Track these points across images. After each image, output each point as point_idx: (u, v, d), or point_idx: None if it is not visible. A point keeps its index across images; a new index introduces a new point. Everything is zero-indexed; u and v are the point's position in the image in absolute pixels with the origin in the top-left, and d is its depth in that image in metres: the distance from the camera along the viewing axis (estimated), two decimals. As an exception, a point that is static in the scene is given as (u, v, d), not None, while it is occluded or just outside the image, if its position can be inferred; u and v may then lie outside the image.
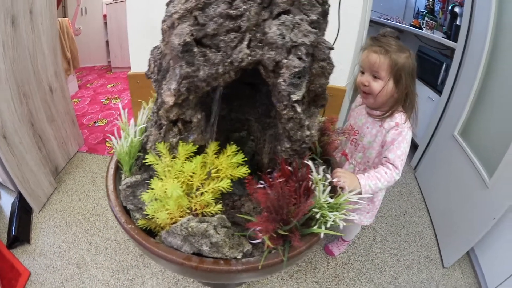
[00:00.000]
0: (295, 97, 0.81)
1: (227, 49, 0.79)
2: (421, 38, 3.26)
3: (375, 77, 1.31)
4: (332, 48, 0.88)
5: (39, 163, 2.18)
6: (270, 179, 0.91)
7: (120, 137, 1.07)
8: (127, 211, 0.98)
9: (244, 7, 0.78)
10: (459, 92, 2.38)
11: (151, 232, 0.93)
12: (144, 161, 0.97)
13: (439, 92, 2.73)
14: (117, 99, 3.68)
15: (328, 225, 0.88)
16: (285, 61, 0.79)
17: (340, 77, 1.83)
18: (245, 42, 0.78)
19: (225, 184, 0.89)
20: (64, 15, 3.96)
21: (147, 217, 0.90)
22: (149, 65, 1.01)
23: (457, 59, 2.44)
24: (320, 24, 0.84)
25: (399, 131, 1.31)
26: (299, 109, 0.83)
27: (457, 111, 2.29)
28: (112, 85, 4.05)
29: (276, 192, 0.83)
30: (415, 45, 3.30)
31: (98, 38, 4.42)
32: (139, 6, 1.74)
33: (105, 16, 4.26)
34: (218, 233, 0.83)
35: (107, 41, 4.45)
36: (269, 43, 0.79)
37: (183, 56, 0.80)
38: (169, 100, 0.86)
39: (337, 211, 0.91)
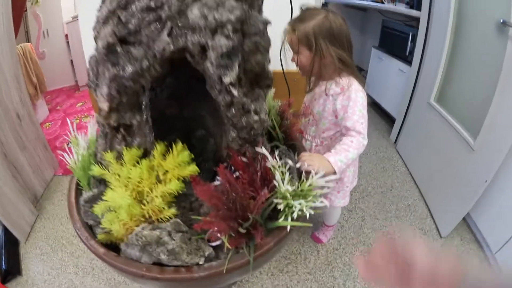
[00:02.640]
0: (227, 79, 0.75)
1: (149, 41, 0.74)
2: (384, 12, 3.24)
3: (297, 53, 1.29)
4: (267, 22, 0.82)
5: (17, 193, 2.12)
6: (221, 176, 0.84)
7: (71, 152, 1.03)
8: (90, 227, 0.95)
9: (166, -4, 0.73)
10: (429, 59, 2.36)
11: (116, 247, 0.88)
12: (90, 173, 0.92)
13: (409, 62, 2.70)
14: (87, 117, 3.61)
15: (295, 215, 0.83)
16: (210, 42, 0.74)
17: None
18: (166, 31, 0.73)
19: (173, 186, 0.84)
20: (28, 40, 3.89)
21: (105, 230, 0.86)
22: (88, 74, 0.96)
23: (423, 27, 2.43)
24: (248, -2, 0.79)
25: (346, 96, 1.27)
26: (235, 92, 0.78)
27: (430, 78, 2.27)
28: (81, 103, 3.97)
29: (223, 187, 0.77)
30: (379, 21, 3.29)
31: (62, 58, 4.33)
32: (91, 21, 1.69)
33: (66, 35, 4.18)
34: (174, 239, 0.78)
35: (71, 61, 4.36)
36: (191, 27, 0.74)
37: (108, 58, 0.76)
38: (104, 106, 0.81)
39: (304, 199, 0.86)
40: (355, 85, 1.28)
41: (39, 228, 2.24)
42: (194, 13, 0.73)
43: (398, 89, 2.85)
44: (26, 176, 2.34)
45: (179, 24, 0.75)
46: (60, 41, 4.23)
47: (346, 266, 1.84)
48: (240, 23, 0.76)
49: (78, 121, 3.54)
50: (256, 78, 0.87)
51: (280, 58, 1.66)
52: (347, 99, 1.27)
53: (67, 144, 3.09)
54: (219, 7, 0.74)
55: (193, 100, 1.09)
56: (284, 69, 1.72)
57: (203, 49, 0.75)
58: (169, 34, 0.74)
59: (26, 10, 3.76)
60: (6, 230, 2.02)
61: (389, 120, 3.25)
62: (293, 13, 1.54)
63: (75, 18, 3.90)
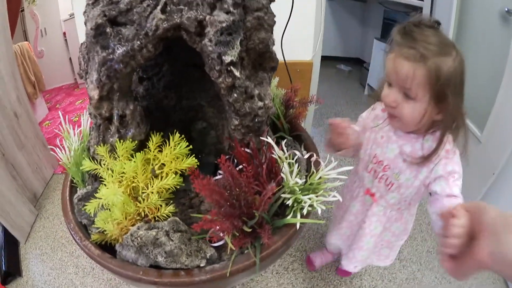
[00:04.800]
0: (228, 58, 0.68)
1: (141, 20, 0.67)
2: (385, 3, 3.18)
3: (407, 95, 0.90)
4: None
5: (16, 192, 2.08)
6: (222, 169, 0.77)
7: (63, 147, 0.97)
8: (84, 227, 0.88)
9: (159, -28, 0.66)
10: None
11: (113, 247, 0.81)
12: (81, 168, 0.85)
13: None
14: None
15: (305, 212, 0.76)
16: (208, 17, 0.67)
17: (304, 51, 1.72)
18: (159, 7, 0.66)
19: (171, 181, 0.76)
20: (26, 39, 3.84)
21: (98, 230, 0.79)
22: (79, 63, 0.89)
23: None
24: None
25: (450, 159, 0.97)
26: (237, 73, 0.70)
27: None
28: (81, 101, 3.93)
29: (225, 181, 0.70)
30: (380, 12, 3.23)
31: (61, 57, 4.28)
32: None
33: (64, 33, 4.13)
34: (172, 240, 0.71)
35: (70, 58, 4.31)
36: (187, 2, 0.67)
37: (97, 40, 0.69)
38: (94, 94, 0.74)
39: (314, 193, 0.78)
40: (455, 145, 0.99)
41: (39, 228, 2.21)
42: (190, -14, 0.66)
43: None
44: (25, 175, 2.31)
45: (174, 0, 0.67)
46: (58, 39, 4.18)
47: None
48: (241, -4, 0.68)
49: (77, 118, 3.48)
50: (260, 59, 0.79)
51: (282, 47, 1.55)
52: (452, 162, 0.97)
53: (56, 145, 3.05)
54: (218, -21, 0.67)
55: (191, 89, 1.02)
56: (286, 59, 1.64)
57: (201, 25, 0.68)
58: (163, 11, 0.67)
59: (23, 10, 3.74)
60: (5, 230, 2.00)
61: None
62: (294, 3, 1.42)
63: (72, 15, 3.84)
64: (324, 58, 1.93)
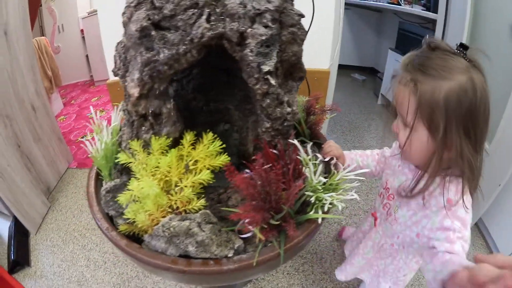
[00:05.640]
0: (266, 68, 0.74)
1: (186, 27, 0.73)
2: (401, 14, 3.23)
3: (405, 123, 0.86)
4: (302, 15, 0.81)
5: (30, 184, 2.13)
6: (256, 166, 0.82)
7: (94, 141, 1.01)
8: (110, 218, 0.92)
9: (202, -18, 0.72)
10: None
11: (137, 238, 0.86)
12: (116, 161, 0.90)
13: (426, 65, 2.66)
14: (102, 112, 3.63)
15: (326, 208, 0.81)
16: (249, 30, 0.73)
17: (321, 60, 1.75)
18: (204, 17, 0.72)
19: (205, 176, 0.81)
20: (42, 34, 3.92)
21: (128, 221, 0.83)
22: (115, 62, 0.95)
23: (439, 30, 2.41)
24: (285, -11, 0.78)
25: (451, 212, 0.84)
26: (273, 81, 0.76)
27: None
28: (96, 98, 3.99)
29: (259, 177, 0.75)
30: (395, 23, 3.27)
31: (78, 53, 4.35)
32: (110, 15, 1.70)
33: (82, 30, 4.20)
34: (203, 231, 0.75)
35: (87, 56, 4.38)
36: (230, 14, 0.73)
37: (141, 42, 0.74)
38: (134, 91, 0.79)
39: (334, 192, 0.83)
40: (467, 198, 0.85)
41: (51, 220, 2.24)
42: (232, 0, 0.71)
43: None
44: (39, 167, 2.35)
45: (217, 11, 0.73)
46: (75, 36, 4.25)
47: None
48: (278, 13, 0.75)
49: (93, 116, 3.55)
50: (290, 70, 0.86)
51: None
52: (454, 217, 0.84)
53: (82, 137, 3.09)
54: (257, -4, 0.73)
55: (218, 92, 1.07)
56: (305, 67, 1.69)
57: (242, 36, 0.74)
58: (208, 20, 0.73)
59: (41, 5, 3.80)
60: (16, 220, 2.04)
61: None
62: (314, 9, 1.47)
63: (91, 13, 3.92)
64: (339, 67, 1.96)
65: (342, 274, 1.42)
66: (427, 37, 0.83)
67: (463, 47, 0.79)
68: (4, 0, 1.95)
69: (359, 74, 4.33)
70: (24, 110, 2.21)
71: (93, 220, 2.09)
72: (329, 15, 1.65)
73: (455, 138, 0.77)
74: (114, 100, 1.87)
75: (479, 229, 2.01)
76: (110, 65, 1.81)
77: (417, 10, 2.87)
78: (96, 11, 3.70)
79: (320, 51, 1.68)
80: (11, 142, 2.01)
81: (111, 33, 1.73)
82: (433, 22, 2.52)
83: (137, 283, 1.78)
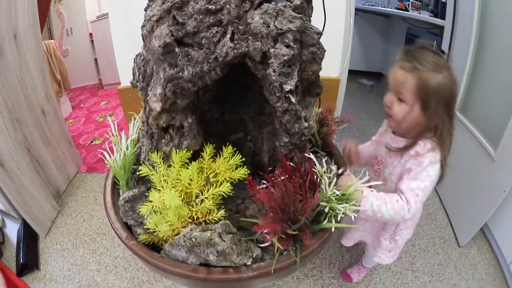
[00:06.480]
0: (287, 87, 0.77)
1: (209, 45, 0.75)
2: (408, 20, 3.24)
3: (400, 99, 1.08)
4: (320, 33, 0.84)
5: (39, 187, 2.14)
6: (272, 178, 0.86)
7: (112, 152, 1.03)
8: (128, 227, 0.94)
9: (224, 0, 0.74)
10: (453, 68, 2.32)
11: (155, 247, 0.89)
12: (138, 173, 0.92)
13: (433, 71, 2.67)
14: (111, 116, 3.64)
15: (339, 218, 0.84)
16: (272, 50, 0.75)
17: (332, 67, 1.77)
18: (228, 35, 0.74)
19: (225, 188, 0.84)
20: (50, 37, 3.93)
21: (149, 231, 0.86)
22: (134, 74, 0.97)
23: (447, 36, 2.41)
24: (304, 9, 0.81)
25: (418, 161, 1.09)
26: (293, 100, 0.79)
27: (454, 88, 2.24)
28: (105, 102, 4.01)
29: (279, 190, 0.78)
30: (403, 28, 3.27)
31: (86, 57, 4.37)
32: (121, 19, 1.70)
33: (91, 34, 4.21)
34: (224, 240, 0.78)
35: (95, 59, 4.40)
36: (253, 33, 0.75)
37: (165, 58, 0.76)
38: (156, 106, 0.82)
39: (347, 203, 0.87)
40: (435, 155, 1.09)
41: (60, 223, 2.25)
42: (255, 20, 0.74)
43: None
44: (49, 171, 2.36)
45: (241, 29, 0.75)
46: (84, 40, 4.27)
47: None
48: (299, 33, 0.77)
49: (102, 119, 3.57)
50: (309, 87, 0.89)
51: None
52: (418, 164, 1.09)
53: (91, 141, 3.12)
54: (279, 16, 0.75)
55: (233, 104, 1.10)
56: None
57: (264, 55, 0.76)
58: (231, 39, 0.75)
59: (49, 9, 3.80)
60: (25, 223, 2.04)
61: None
62: (326, 20, 1.49)
63: (100, 17, 3.93)
64: (348, 72, 1.98)
65: (349, 240, 1.56)
66: (425, 40, 1.10)
67: (442, 52, 1.07)
68: (13, 4, 1.95)
69: (367, 79, 4.33)
70: (33, 114, 2.22)
71: (103, 225, 2.14)
72: (339, 24, 1.67)
73: (441, 114, 1.05)
74: (125, 106, 1.89)
75: (484, 234, 2.05)
76: (122, 70, 1.84)
77: (425, 16, 2.89)
78: (104, 15, 3.76)
79: (330, 59, 1.68)
80: (21, 146, 2.01)
81: (121, 37, 1.75)
82: (441, 28, 2.53)
83: (148, 287, 1.79)
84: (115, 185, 1.06)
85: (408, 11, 3.20)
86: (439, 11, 2.70)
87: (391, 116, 1.12)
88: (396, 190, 1.14)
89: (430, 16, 2.84)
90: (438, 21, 2.63)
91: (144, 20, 0.86)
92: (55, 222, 2.26)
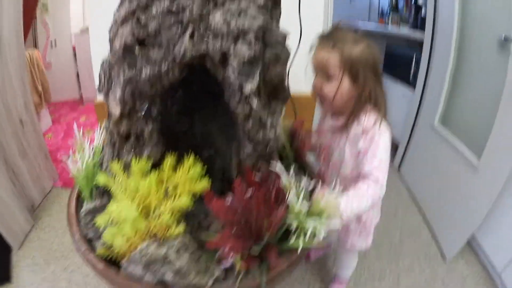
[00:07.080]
0: (248, 87, 0.72)
1: (169, 44, 0.71)
2: (389, 36, 3.30)
3: (328, 77, 1.10)
4: (287, 36, 0.80)
5: (14, 198, 2.07)
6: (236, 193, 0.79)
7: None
8: (89, 241, 0.89)
9: (187, 1, 0.71)
10: (433, 81, 2.37)
11: (117, 262, 0.83)
12: (94, 183, 0.87)
13: (413, 86, 2.70)
14: (90, 132, 3.57)
15: (308, 234, 0.77)
16: (232, 49, 0.71)
17: (308, 85, 1.74)
18: (187, 35, 0.70)
19: (183, 202, 0.78)
20: (35, 46, 3.85)
21: (105, 245, 0.81)
22: (100, 80, 0.93)
23: (426, 49, 2.44)
24: (269, 9, 0.77)
25: (369, 137, 1.10)
26: (255, 102, 0.74)
27: (434, 100, 2.27)
28: (84, 118, 3.95)
29: (239, 203, 0.72)
30: (382, 44, 3.32)
31: (69, 71, 4.26)
32: (102, 31, 1.66)
33: (74, 47, 4.14)
34: (181, 258, 0.73)
35: (77, 73, 4.29)
36: (213, 33, 0.71)
37: (124, 58, 0.73)
38: (116, 110, 0.77)
39: (317, 219, 0.81)
40: (381, 125, 1.11)
41: (34, 238, 2.18)
42: (216, 18, 0.71)
43: (401, 113, 2.85)
44: (24, 183, 2.29)
45: (201, 29, 0.72)
46: (67, 53, 4.18)
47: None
48: (262, 32, 0.74)
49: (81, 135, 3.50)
50: (274, 91, 0.84)
51: (287, 79, 1.58)
52: (370, 141, 1.10)
53: (67, 156, 3.04)
54: (242, 14, 0.72)
55: (203, 116, 1.06)
56: (292, 91, 1.67)
57: (224, 56, 0.73)
58: (191, 38, 0.72)
59: (35, 18, 3.75)
60: (-1, 234, 1.96)
61: (392, 146, 3.22)
62: (302, 33, 1.44)
63: (83, 30, 3.88)
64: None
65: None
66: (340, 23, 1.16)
67: (357, 30, 1.13)
68: (-2, 8, 1.90)
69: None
70: (12, 123, 2.16)
71: (76, 242, 2.07)
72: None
73: (370, 81, 1.08)
74: (102, 121, 1.85)
75: (471, 246, 2.02)
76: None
77: (404, 31, 3.00)
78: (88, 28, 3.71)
79: (309, 75, 1.68)
80: (-3, 154, 1.94)
81: (101, 51, 1.71)
82: (420, 43, 2.56)
83: (118, 307, 1.72)
84: (80, 196, 1.02)
85: (388, 24, 3.35)
86: (419, 25, 2.82)
87: (325, 99, 1.15)
88: (359, 176, 1.12)
89: (409, 29, 2.99)
90: (417, 34, 2.71)
91: (111, 23, 0.83)
92: (28, 236, 2.19)
